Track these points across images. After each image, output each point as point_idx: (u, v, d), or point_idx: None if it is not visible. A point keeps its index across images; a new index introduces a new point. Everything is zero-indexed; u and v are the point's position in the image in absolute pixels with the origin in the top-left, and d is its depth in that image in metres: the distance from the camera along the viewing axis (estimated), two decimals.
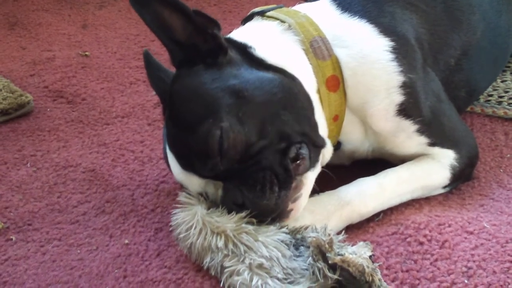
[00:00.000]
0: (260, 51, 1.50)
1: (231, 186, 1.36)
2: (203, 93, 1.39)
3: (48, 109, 2.28)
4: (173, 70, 1.59)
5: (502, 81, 2.16)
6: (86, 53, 2.70)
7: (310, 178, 1.42)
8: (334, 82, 1.53)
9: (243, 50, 1.50)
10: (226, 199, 1.37)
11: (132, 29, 2.97)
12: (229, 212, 1.36)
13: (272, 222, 1.38)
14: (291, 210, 1.38)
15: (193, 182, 1.41)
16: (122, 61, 2.64)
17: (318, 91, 1.52)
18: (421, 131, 1.56)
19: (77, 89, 2.40)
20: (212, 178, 1.38)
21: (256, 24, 1.63)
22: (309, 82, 1.50)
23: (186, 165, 1.40)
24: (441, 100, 1.61)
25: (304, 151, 1.39)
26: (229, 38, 1.55)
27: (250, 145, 1.35)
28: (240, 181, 1.35)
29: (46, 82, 2.46)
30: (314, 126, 1.47)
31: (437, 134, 1.58)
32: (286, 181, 1.35)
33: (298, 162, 1.38)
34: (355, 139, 1.62)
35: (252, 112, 1.36)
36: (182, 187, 1.48)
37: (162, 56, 2.44)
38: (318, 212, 1.47)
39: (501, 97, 2.07)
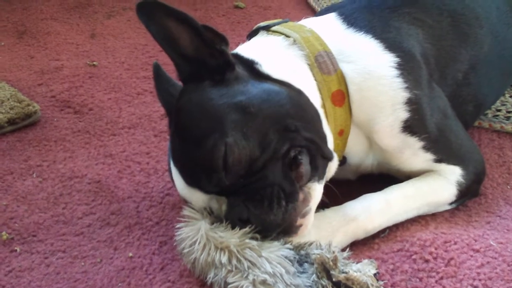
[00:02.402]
0: (266, 67, 1.50)
1: (237, 202, 1.34)
2: (210, 109, 1.38)
3: (55, 119, 2.28)
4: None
5: (510, 96, 2.15)
6: (94, 62, 2.71)
7: (317, 190, 1.41)
8: (340, 97, 1.52)
9: (250, 66, 1.50)
10: (231, 215, 1.36)
11: (140, 39, 2.97)
12: (233, 227, 1.35)
13: (278, 237, 1.37)
14: (300, 225, 1.37)
15: (197, 197, 1.40)
16: (129, 71, 2.64)
17: (323, 106, 1.51)
18: (427, 148, 1.55)
19: (85, 99, 2.41)
20: (216, 193, 1.37)
21: (261, 39, 1.63)
22: (314, 98, 1.50)
23: (191, 180, 1.39)
24: (447, 116, 1.60)
25: (303, 157, 1.38)
26: (236, 53, 1.55)
27: (254, 159, 1.34)
28: (245, 197, 1.33)
29: (54, 91, 2.46)
30: (324, 138, 1.46)
31: (443, 151, 1.57)
32: (292, 192, 1.34)
33: (298, 170, 1.36)
34: (359, 153, 1.61)
35: (258, 126, 1.36)
36: (186, 202, 1.47)
37: (170, 66, 2.43)
38: (323, 227, 1.46)
39: (509, 112, 2.06)
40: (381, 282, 1.29)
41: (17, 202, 1.83)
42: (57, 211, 1.78)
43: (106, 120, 2.27)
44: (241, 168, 1.34)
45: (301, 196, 1.36)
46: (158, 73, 1.70)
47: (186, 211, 1.43)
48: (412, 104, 1.52)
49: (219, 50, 1.42)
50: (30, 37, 2.98)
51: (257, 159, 1.34)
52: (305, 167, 1.37)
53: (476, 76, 1.78)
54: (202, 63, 1.43)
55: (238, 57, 1.52)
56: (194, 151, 1.36)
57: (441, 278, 1.36)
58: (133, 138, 2.14)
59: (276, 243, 1.35)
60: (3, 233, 1.68)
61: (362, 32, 1.58)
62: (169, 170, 1.50)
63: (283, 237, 1.37)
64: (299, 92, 1.47)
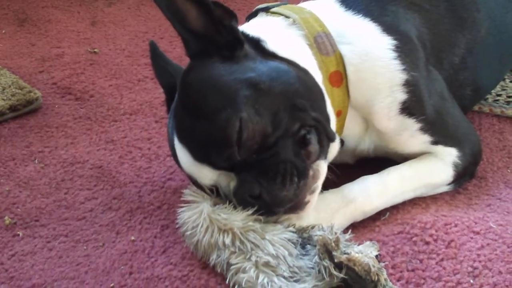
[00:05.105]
0: (272, 45, 1.50)
1: (248, 178, 1.34)
2: (221, 84, 1.38)
3: (56, 106, 2.29)
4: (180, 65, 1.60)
5: (511, 81, 2.15)
6: (95, 50, 2.71)
7: (324, 168, 1.42)
8: (337, 77, 1.53)
9: (256, 43, 1.50)
10: (241, 191, 1.35)
11: (141, 27, 2.97)
12: (239, 204, 1.36)
13: (286, 212, 1.38)
14: (308, 202, 1.38)
15: (205, 174, 1.39)
16: (130, 58, 2.64)
17: (324, 85, 1.52)
18: (424, 130, 1.56)
19: (86, 86, 2.41)
20: (226, 169, 1.37)
21: (261, 19, 1.64)
22: (317, 76, 1.50)
23: (199, 155, 1.38)
24: (444, 98, 1.61)
25: (312, 135, 1.39)
26: (242, 31, 1.54)
27: (267, 135, 1.34)
28: (258, 173, 1.33)
29: (55, 78, 2.47)
30: (327, 118, 1.47)
31: (440, 133, 1.58)
32: (304, 169, 1.35)
33: (308, 148, 1.37)
34: (355, 135, 1.62)
35: (269, 103, 1.36)
36: (189, 184, 1.48)
37: (171, 54, 2.45)
38: (322, 209, 1.47)
39: (510, 97, 2.06)
40: (383, 264, 1.29)
41: (19, 187, 1.84)
42: (59, 196, 1.79)
43: (107, 106, 2.27)
44: (255, 143, 1.34)
45: (310, 172, 1.37)
46: (154, 52, 1.71)
47: (187, 194, 1.43)
48: (410, 85, 1.52)
49: (228, 27, 1.42)
50: (31, 25, 2.98)
51: (269, 135, 1.35)
52: (314, 145, 1.39)
53: (474, 60, 1.78)
54: (211, 39, 1.43)
55: (243, 35, 1.51)
56: (204, 127, 1.35)
57: (442, 259, 1.36)
58: (134, 124, 2.14)
59: (279, 226, 1.36)
60: (6, 218, 1.69)
61: (361, 15, 1.58)
62: (172, 150, 1.49)
63: (290, 213, 1.38)
64: (305, 71, 1.47)
